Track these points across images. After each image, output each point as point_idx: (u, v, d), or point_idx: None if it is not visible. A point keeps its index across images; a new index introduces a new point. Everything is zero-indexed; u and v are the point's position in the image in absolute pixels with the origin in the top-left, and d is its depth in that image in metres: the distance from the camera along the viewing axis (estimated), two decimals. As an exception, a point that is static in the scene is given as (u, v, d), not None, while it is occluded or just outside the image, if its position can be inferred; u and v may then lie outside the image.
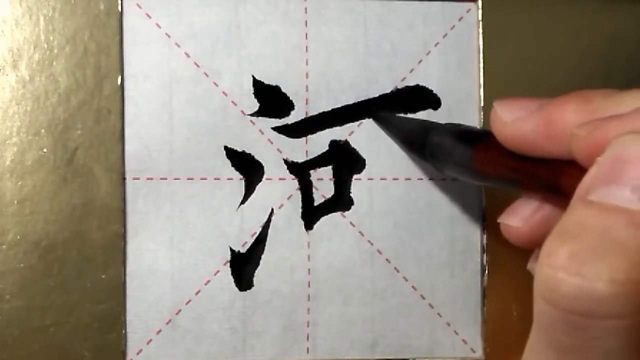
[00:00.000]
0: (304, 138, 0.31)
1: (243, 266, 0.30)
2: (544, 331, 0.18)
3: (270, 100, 0.31)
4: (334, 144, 0.31)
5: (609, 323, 0.16)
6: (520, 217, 0.23)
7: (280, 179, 0.31)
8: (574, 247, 0.17)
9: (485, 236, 0.31)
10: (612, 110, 0.19)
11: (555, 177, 0.20)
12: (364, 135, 0.31)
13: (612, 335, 0.17)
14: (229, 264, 0.30)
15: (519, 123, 0.22)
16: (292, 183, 0.31)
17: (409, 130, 0.30)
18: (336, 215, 0.31)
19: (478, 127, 0.32)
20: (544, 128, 0.21)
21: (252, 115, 0.31)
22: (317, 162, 0.31)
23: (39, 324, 0.29)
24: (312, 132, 0.31)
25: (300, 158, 0.31)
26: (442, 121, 0.31)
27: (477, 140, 0.24)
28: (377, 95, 0.31)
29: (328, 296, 0.31)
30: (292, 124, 0.31)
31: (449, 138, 0.26)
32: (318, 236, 0.31)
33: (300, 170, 0.31)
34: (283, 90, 0.31)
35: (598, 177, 0.17)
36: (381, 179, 0.31)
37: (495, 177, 0.24)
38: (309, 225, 0.31)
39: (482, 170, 0.24)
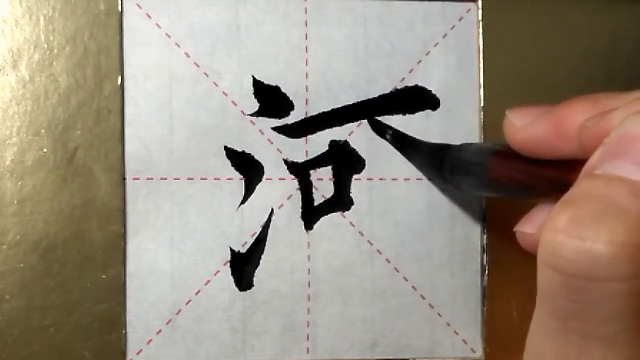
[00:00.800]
0: (304, 138, 0.31)
1: (243, 266, 0.30)
2: (547, 299, 0.18)
3: (270, 100, 0.31)
4: (333, 144, 0.31)
5: (609, 286, 0.17)
6: (536, 224, 0.24)
7: (280, 179, 0.31)
8: (576, 212, 0.17)
9: (485, 236, 0.31)
10: (617, 106, 0.20)
11: (566, 176, 0.21)
12: (364, 135, 0.31)
13: (612, 299, 0.17)
14: (229, 264, 0.30)
15: (530, 127, 0.22)
16: (292, 183, 0.31)
17: (428, 149, 0.30)
18: (336, 215, 0.31)
19: (478, 127, 0.32)
20: (554, 128, 0.22)
21: (252, 115, 0.31)
22: (317, 162, 0.31)
23: (39, 324, 0.29)
24: (312, 132, 0.31)
25: (300, 158, 0.31)
26: (442, 121, 0.31)
27: (494, 151, 0.25)
28: (376, 95, 0.31)
29: (328, 296, 0.31)
30: (292, 124, 0.31)
31: (467, 152, 0.27)
32: (318, 236, 0.31)
33: (300, 170, 0.31)
34: (283, 90, 0.31)
35: (604, 154, 0.18)
36: (381, 179, 0.31)
37: (512, 184, 0.24)
38: (309, 225, 0.31)
39: (499, 179, 0.24)
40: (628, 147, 0.18)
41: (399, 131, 0.31)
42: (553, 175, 0.22)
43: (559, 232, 0.17)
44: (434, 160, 0.29)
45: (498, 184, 0.25)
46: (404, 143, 0.31)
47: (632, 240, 0.16)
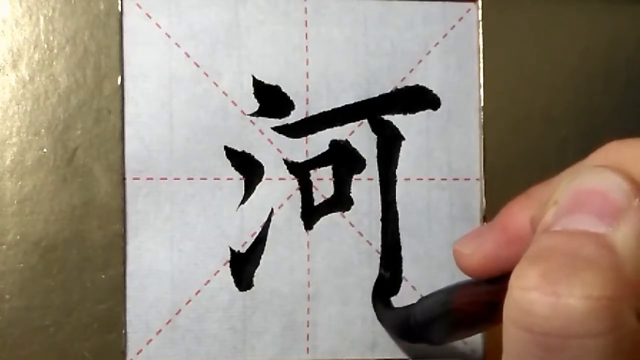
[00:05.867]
0: (304, 138, 0.31)
1: (243, 266, 0.30)
2: (517, 359, 0.17)
3: (270, 100, 0.31)
4: (334, 144, 0.31)
5: (585, 342, 0.16)
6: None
7: (280, 179, 0.31)
8: (546, 267, 0.16)
9: (485, 236, 0.31)
10: (549, 192, 0.19)
11: None
12: (365, 135, 0.31)
13: (588, 356, 0.16)
14: (229, 264, 0.30)
15: (480, 247, 0.22)
16: (292, 183, 0.31)
17: (394, 315, 0.30)
18: (336, 215, 0.31)
19: (478, 127, 0.32)
20: (502, 237, 0.22)
21: (252, 115, 0.31)
22: (317, 162, 0.31)
23: (39, 324, 0.29)
24: (312, 132, 0.31)
25: (300, 158, 0.31)
26: (442, 121, 0.31)
27: (452, 288, 0.25)
28: (377, 95, 0.31)
29: (328, 296, 0.31)
30: (292, 124, 0.31)
31: (428, 301, 0.27)
32: (318, 236, 0.31)
33: (300, 170, 0.31)
34: (283, 90, 0.31)
35: (559, 211, 0.18)
36: (381, 179, 0.31)
37: (476, 310, 0.24)
38: (308, 225, 0.31)
39: (463, 311, 0.25)
40: (584, 201, 0.17)
41: (378, 303, 0.31)
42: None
43: (530, 290, 0.16)
44: (401, 324, 0.29)
45: (464, 318, 0.25)
46: (378, 313, 0.31)
47: (606, 293, 0.16)
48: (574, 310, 0.16)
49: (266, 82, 0.31)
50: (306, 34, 0.31)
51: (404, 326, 0.29)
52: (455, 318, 0.25)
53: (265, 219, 0.31)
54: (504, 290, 0.19)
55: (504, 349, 0.18)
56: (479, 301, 0.24)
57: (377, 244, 0.31)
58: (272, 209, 0.31)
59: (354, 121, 0.31)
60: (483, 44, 0.32)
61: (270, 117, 0.31)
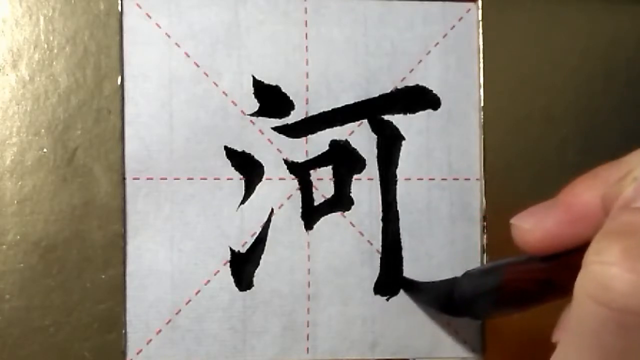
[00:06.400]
0: (304, 138, 0.31)
1: (243, 266, 0.30)
2: (590, 335, 0.17)
3: (270, 100, 0.31)
4: (334, 144, 0.31)
5: None
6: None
7: (280, 179, 0.31)
8: (628, 243, 0.16)
9: (485, 236, 0.31)
10: (616, 174, 0.20)
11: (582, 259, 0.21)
12: (365, 135, 0.31)
13: None
14: (229, 264, 0.30)
15: (540, 223, 0.22)
16: (292, 183, 0.31)
17: (435, 288, 0.30)
18: (336, 215, 0.31)
19: (478, 127, 0.32)
20: (566, 215, 0.22)
21: (252, 115, 0.31)
22: (317, 162, 0.31)
23: (39, 324, 0.29)
24: (312, 132, 0.31)
25: (300, 158, 0.31)
26: (442, 121, 0.31)
27: (504, 264, 0.25)
28: (377, 95, 0.31)
29: (328, 296, 0.31)
30: (292, 124, 0.31)
31: (475, 276, 0.27)
32: (318, 236, 0.31)
33: (300, 170, 0.31)
34: (283, 90, 0.31)
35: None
36: (381, 179, 0.31)
37: (528, 289, 0.24)
38: (309, 225, 0.31)
39: (514, 288, 0.24)
40: None
41: (407, 279, 0.31)
42: (570, 262, 0.21)
43: (611, 265, 0.16)
44: (443, 297, 0.29)
45: (514, 295, 0.25)
46: (410, 287, 0.31)
47: None
48: None
49: (266, 82, 0.31)
50: (306, 34, 0.31)
51: (446, 299, 0.28)
52: (505, 294, 0.25)
53: (265, 219, 0.31)
54: (562, 269, 0.19)
55: (574, 326, 0.18)
56: (532, 278, 0.24)
57: (378, 244, 0.31)
58: (272, 209, 0.31)
59: (354, 121, 0.31)
60: (483, 44, 0.32)
61: (270, 117, 0.31)
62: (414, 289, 0.31)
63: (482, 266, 0.27)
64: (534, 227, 0.22)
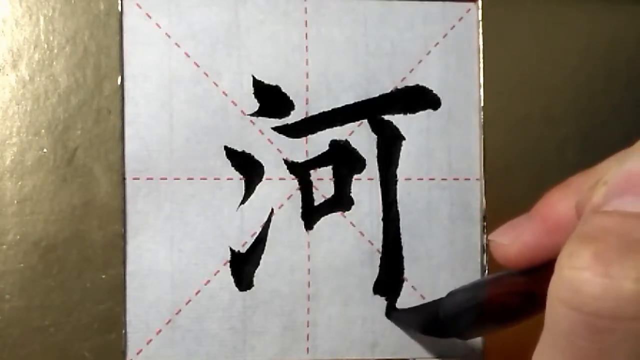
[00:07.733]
0: (304, 138, 0.31)
1: (243, 266, 0.30)
2: (562, 338, 0.17)
3: (270, 100, 0.31)
4: (334, 143, 0.31)
5: (636, 325, 0.16)
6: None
7: (280, 179, 0.31)
8: (598, 247, 0.16)
9: (485, 236, 0.31)
10: (588, 181, 0.20)
11: None
12: (365, 135, 0.31)
13: (637, 339, 0.16)
14: (229, 264, 0.30)
15: (518, 237, 0.22)
16: (292, 183, 0.31)
17: (421, 311, 0.30)
18: (336, 215, 0.31)
19: (478, 127, 0.32)
20: (541, 227, 0.22)
21: (252, 115, 0.31)
22: (317, 162, 0.31)
23: (39, 324, 0.29)
24: (312, 132, 0.31)
25: (300, 158, 0.31)
26: (442, 121, 0.31)
27: (486, 281, 0.26)
28: (377, 95, 0.31)
29: (328, 296, 0.31)
30: (292, 124, 0.31)
31: (459, 293, 0.27)
32: (318, 236, 0.31)
33: (300, 170, 0.31)
34: (283, 90, 0.31)
35: (610, 192, 0.18)
36: (381, 179, 0.31)
37: (511, 302, 0.24)
38: (309, 225, 0.31)
39: (497, 302, 0.24)
40: (638, 182, 0.17)
41: (391, 307, 0.31)
42: (551, 273, 0.22)
43: (582, 269, 0.16)
44: (429, 318, 0.29)
45: (498, 310, 0.25)
46: (396, 314, 0.31)
47: None
48: (626, 292, 0.16)
49: (266, 82, 0.31)
50: (306, 34, 0.31)
51: (431, 321, 0.28)
52: (489, 309, 0.25)
53: (265, 219, 0.31)
54: (542, 280, 0.19)
55: (548, 329, 0.18)
56: (515, 292, 0.23)
57: (378, 244, 0.31)
58: (272, 209, 0.31)
59: (354, 121, 0.31)
60: (483, 44, 0.32)
61: (270, 117, 0.31)
62: (399, 315, 0.31)
63: (465, 285, 0.27)
64: (512, 241, 0.23)
